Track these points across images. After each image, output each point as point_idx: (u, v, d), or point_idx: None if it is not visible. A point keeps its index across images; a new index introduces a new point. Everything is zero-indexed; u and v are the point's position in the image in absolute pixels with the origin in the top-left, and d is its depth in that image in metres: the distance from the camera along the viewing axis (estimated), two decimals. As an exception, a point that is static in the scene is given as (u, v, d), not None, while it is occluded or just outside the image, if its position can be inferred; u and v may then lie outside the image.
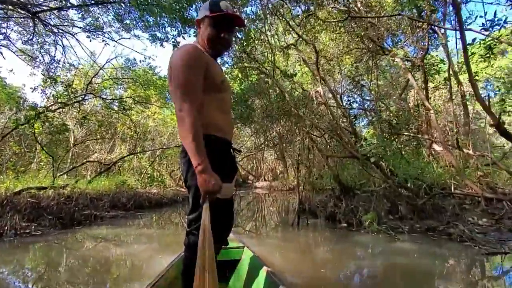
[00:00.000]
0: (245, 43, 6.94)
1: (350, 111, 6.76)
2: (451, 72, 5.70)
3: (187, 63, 1.12)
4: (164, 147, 11.40)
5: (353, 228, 3.97)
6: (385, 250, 3.17)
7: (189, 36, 8.52)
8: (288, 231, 4.12)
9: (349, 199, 5.99)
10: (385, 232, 3.60)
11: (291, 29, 8.53)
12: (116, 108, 8.47)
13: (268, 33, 7.25)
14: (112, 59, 8.96)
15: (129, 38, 8.05)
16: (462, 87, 5.83)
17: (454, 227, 3.57)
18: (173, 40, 5.63)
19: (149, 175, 9.65)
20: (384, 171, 4.62)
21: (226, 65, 8.11)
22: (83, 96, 7.88)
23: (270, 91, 8.91)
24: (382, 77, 8.57)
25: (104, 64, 8.96)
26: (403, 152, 5.46)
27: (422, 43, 5.70)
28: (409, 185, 4.64)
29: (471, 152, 4.91)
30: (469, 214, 4.16)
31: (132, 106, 8.46)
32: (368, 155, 4.33)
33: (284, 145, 14.72)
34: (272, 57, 6.83)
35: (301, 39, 6.25)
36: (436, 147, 6.19)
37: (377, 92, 7.83)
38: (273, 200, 10.14)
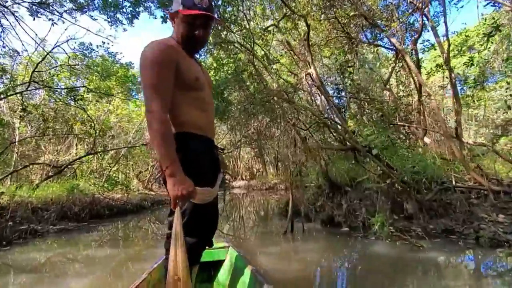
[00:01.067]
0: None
1: (337, 100, 6.20)
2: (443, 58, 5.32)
3: (154, 60, 1.05)
4: (129, 145, 10.13)
5: (358, 233, 3.32)
6: (412, 264, 2.51)
7: (155, 18, 7.43)
8: (283, 241, 3.36)
9: (340, 197, 5.41)
10: (399, 237, 2.99)
11: (270, 13, 7.84)
12: (70, 101, 7.16)
13: (246, 16, 6.47)
14: (62, 42, 7.61)
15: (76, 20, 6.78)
16: (453, 74, 5.48)
17: (477, 227, 3.04)
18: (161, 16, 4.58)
19: (109, 178, 8.40)
20: (384, 164, 4.04)
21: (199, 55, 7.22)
22: (26, 86, 6.53)
23: (249, 80, 8.14)
24: (364, 67, 8.16)
25: (53, 49, 7.62)
26: (395, 144, 4.99)
27: (415, 26, 5.26)
28: (406, 179, 4.12)
29: (471, 141, 4.52)
30: (479, 210, 3.71)
31: (85, 96, 7.20)
32: (370, 146, 3.71)
33: (262, 141, 14.06)
34: (252, 41, 6.05)
35: (284, 19, 5.53)
36: (426, 138, 5.84)
37: (360, 82, 7.41)
38: (255, 201, 9.37)
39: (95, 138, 8.49)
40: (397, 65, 7.10)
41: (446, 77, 5.34)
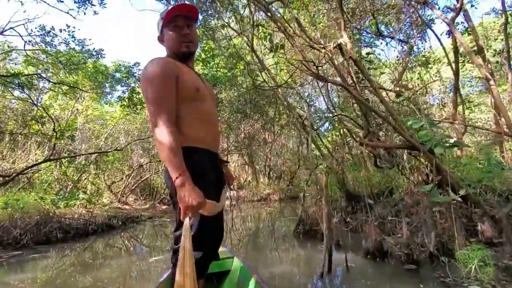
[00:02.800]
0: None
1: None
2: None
3: (156, 75, 1.08)
4: (100, 151, 8.60)
5: (436, 272, 2.16)
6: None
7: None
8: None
9: (364, 211, 4.30)
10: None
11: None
12: (17, 91, 5.69)
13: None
14: (15, 26, 6.19)
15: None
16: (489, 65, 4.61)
17: None
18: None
19: (71, 191, 6.87)
20: (443, 168, 2.96)
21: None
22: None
23: (243, 73, 6.99)
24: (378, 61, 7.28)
25: (3, 31, 6.17)
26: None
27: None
28: (474, 189, 3.07)
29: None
30: None
31: (34, 84, 5.77)
32: (433, 145, 2.62)
33: (254, 147, 12.85)
34: (251, 22, 4.94)
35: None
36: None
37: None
38: (250, 215, 8.06)
39: (56, 142, 6.97)
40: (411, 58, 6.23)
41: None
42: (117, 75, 6.76)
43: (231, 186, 1.50)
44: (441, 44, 4.19)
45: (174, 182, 0.98)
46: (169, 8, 1.18)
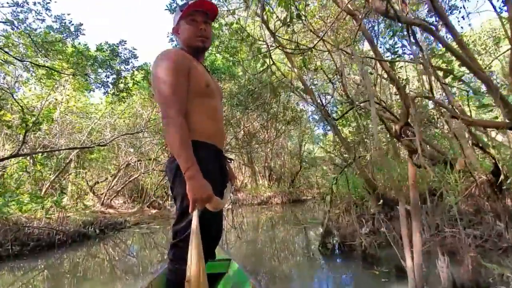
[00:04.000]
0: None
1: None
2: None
3: (169, 67, 1.08)
4: (81, 146, 7.52)
5: None
6: None
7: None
8: None
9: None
10: None
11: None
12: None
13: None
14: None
15: None
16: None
17: None
18: None
19: (32, 193, 5.78)
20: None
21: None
22: None
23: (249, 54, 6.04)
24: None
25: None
26: None
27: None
28: None
29: None
30: None
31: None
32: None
33: (255, 146, 11.87)
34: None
35: None
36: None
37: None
38: (253, 221, 7.07)
39: (24, 133, 5.90)
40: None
41: None
42: (99, 56, 5.74)
43: (233, 185, 1.44)
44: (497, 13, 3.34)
45: (185, 174, 0.97)
46: (190, 2, 1.20)
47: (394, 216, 3.95)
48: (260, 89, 7.62)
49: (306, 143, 14.20)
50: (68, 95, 8.35)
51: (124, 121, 9.33)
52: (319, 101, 3.98)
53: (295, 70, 4.04)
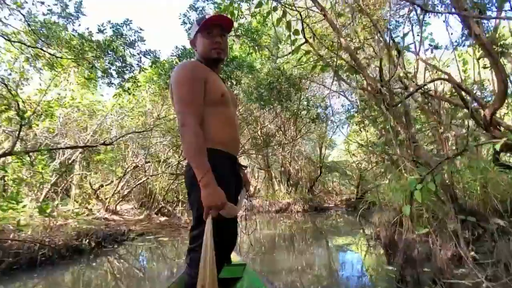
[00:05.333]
0: None
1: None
2: None
3: (185, 77, 1.14)
4: (83, 145, 6.80)
5: None
6: None
7: None
8: None
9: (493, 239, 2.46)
10: None
11: None
12: None
13: None
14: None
15: None
16: None
17: None
18: None
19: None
20: None
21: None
22: None
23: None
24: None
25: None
26: None
27: None
28: None
29: None
30: None
31: None
32: None
33: (274, 147, 10.91)
34: None
35: None
36: None
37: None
38: (280, 235, 6.11)
39: (20, 129, 5.20)
40: None
41: None
42: (100, 38, 4.98)
43: (247, 192, 1.45)
44: None
45: (200, 182, 1.00)
46: (207, 16, 1.25)
47: (481, 235, 2.93)
48: (283, 81, 6.71)
49: (327, 146, 13.11)
50: (72, 90, 7.71)
51: (132, 120, 8.61)
52: (376, 76, 3.03)
53: (342, 40, 3.10)
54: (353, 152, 10.67)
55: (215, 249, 0.96)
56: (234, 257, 2.11)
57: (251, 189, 16.12)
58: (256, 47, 5.68)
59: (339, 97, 10.24)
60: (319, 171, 12.16)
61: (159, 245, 4.86)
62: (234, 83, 7.09)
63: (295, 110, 8.34)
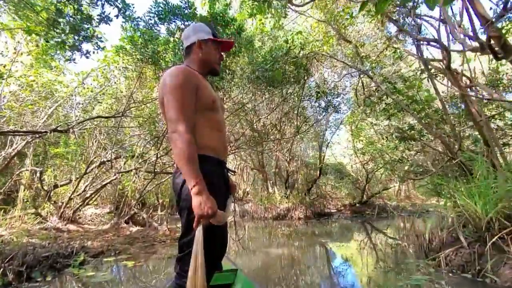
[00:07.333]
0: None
1: None
2: None
3: (177, 84, 1.13)
4: (31, 130, 5.16)
5: None
6: None
7: None
8: None
9: None
10: None
11: None
12: None
13: None
14: None
15: None
16: None
17: None
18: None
19: None
20: None
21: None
22: None
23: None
24: None
25: None
26: None
27: None
28: None
29: None
30: None
31: None
32: None
33: (273, 144, 9.52)
34: None
35: None
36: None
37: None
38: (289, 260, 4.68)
39: None
40: None
41: None
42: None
43: (233, 197, 1.40)
44: None
45: (191, 190, 1.00)
46: (226, 39, 1.35)
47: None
48: (292, 58, 5.36)
49: (327, 145, 11.84)
50: (21, 62, 6.04)
51: (101, 104, 6.99)
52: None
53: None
54: (361, 150, 9.46)
55: (206, 257, 0.96)
56: (225, 262, 1.90)
57: (240, 192, 14.61)
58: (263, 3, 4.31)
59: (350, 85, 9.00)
60: (318, 172, 10.88)
61: (119, 274, 3.34)
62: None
63: (301, 98, 7.00)
